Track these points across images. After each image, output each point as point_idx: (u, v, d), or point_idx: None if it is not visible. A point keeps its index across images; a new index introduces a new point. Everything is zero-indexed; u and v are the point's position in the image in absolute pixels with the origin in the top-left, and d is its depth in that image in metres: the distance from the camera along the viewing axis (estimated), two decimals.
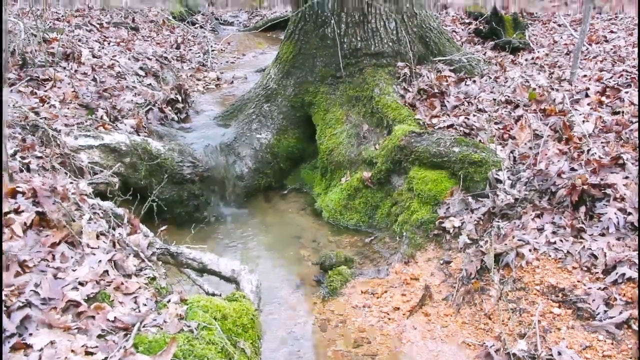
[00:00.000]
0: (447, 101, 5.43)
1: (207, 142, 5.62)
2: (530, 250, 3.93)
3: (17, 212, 3.04)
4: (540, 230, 4.07)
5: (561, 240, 3.97)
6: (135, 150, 4.89)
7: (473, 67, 6.05)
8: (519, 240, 4.02)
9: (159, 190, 4.95)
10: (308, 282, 4.48)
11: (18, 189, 3.20)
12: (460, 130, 4.99)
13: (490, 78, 5.91)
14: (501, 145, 4.83)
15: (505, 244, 3.99)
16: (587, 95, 5.47)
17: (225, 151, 5.69)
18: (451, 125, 5.08)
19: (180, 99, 6.27)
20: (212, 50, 8.91)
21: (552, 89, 5.63)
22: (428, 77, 5.70)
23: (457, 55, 6.11)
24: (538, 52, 7.05)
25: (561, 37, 7.77)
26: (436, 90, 5.54)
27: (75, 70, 5.89)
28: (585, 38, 7.61)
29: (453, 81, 5.73)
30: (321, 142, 5.66)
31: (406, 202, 4.85)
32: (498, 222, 4.25)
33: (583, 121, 4.80)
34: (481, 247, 4.15)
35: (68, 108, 5.09)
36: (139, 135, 5.40)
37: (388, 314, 4.00)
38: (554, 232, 4.05)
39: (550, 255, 3.92)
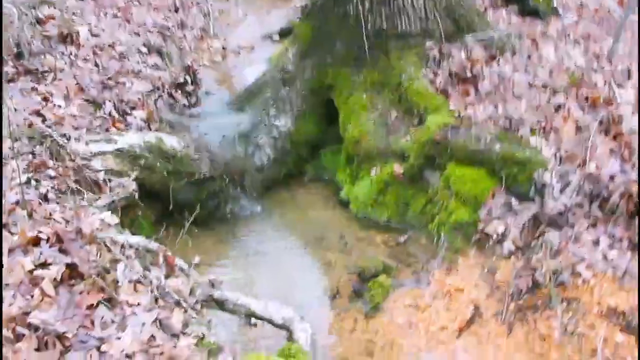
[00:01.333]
0: (481, 86, 5.10)
1: (223, 132, 5.29)
2: (586, 268, 3.74)
3: (44, 265, 2.77)
4: (596, 243, 3.86)
5: (619, 256, 3.78)
6: (150, 151, 4.56)
7: (504, 43, 5.67)
8: (573, 255, 3.81)
9: (176, 193, 4.67)
10: (343, 293, 4.27)
11: (40, 235, 2.91)
12: (500, 123, 4.69)
13: (523, 56, 5.55)
14: (544, 139, 4.54)
15: (560, 261, 3.78)
16: (629, 77, 5.16)
17: (243, 141, 5.38)
18: (489, 117, 4.77)
19: (189, 80, 5.88)
20: (213, 13, 8.39)
21: (592, 69, 5.30)
22: (458, 58, 5.34)
23: (488, 32, 5.70)
24: (566, 18, 6.66)
25: None
26: (468, 74, 5.20)
27: (75, 55, 5.46)
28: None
29: (484, 61, 5.37)
30: (346, 130, 5.35)
31: (443, 201, 4.61)
32: (547, 231, 4.03)
33: (632, 113, 4.51)
34: (531, 260, 3.95)
35: (74, 105, 4.71)
36: (150, 128, 5.06)
37: (436, 334, 3.82)
38: (610, 246, 3.85)
39: (607, 273, 3.73)
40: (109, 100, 4.95)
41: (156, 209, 4.93)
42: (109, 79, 5.27)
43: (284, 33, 7.95)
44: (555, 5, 6.80)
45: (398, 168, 4.88)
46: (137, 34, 6.48)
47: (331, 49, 5.50)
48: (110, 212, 3.52)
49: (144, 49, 6.26)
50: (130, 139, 4.54)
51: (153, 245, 3.29)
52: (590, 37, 6.11)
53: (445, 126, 4.69)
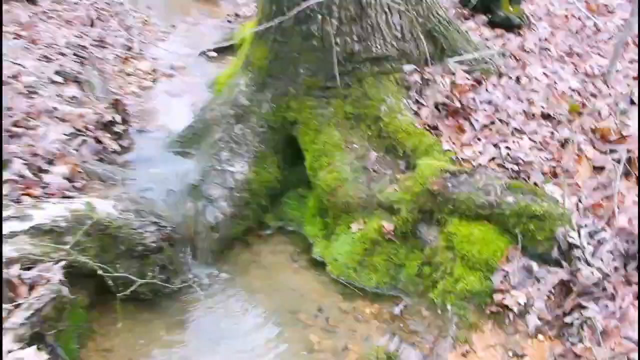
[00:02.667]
0: (475, 119, 4.43)
1: (168, 186, 4.37)
2: None
3: None
4: None
5: None
6: (79, 224, 3.60)
7: (487, 63, 5.03)
8: (626, 339, 3.19)
9: (114, 270, 3.74)
10: None
11: None
12: (506, 167, 4.03)
13: (511, 78, 4.93)
14: (559, 187, 3.92)
15: (612, 349, 3.15)
16: (632, 102, 4.64)
17: (193, 195, 4.46)
18: (493, 159, 4.11)
19: (119, 119, 4.88)
20: (135, 24, 7.35)
21: (590, 94, 4.75)
22: (443, 85, 4.64)
23: (469, 52, 5.03)
24: (540, 29, 6.12)
25: (554, 6, 6.85)
26: (457, 104, 4.51)
27: None
28: (582, 4, 6.76)
29: (470, 86, 4.71)
30: (317, 175, 4.54)
31: (446, 264, 3.90)
32: (584, 304, 3.40)
33: None
34: (573, 345, 3.30)
35: None
36: (74, 186, 4.07)
37: None
38: None
39: None
40: (18, 157, 3.94)
41: (89, 289, 3.96)
42: (16, 124, 4.23)
43: (221, 49, 7.06)
44: (527, 15, 6.25)
45: (388, 225, 4.13)
46: (48, 59, 5.42)
47: (294, 77, 4.67)
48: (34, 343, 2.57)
49: (58, 78, 5.21)
50: (52, 211, 3.56)
51: None
52: (574, 53, 5.59)
53: (443, 173, 3.98)
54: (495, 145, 4.21)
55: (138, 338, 3.88)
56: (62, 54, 5.64)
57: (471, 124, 4.41)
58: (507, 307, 3.61)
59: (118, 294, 3.67)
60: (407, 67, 4.71)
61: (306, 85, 4.67)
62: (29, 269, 3.33)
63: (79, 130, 4.54)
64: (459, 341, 3.63)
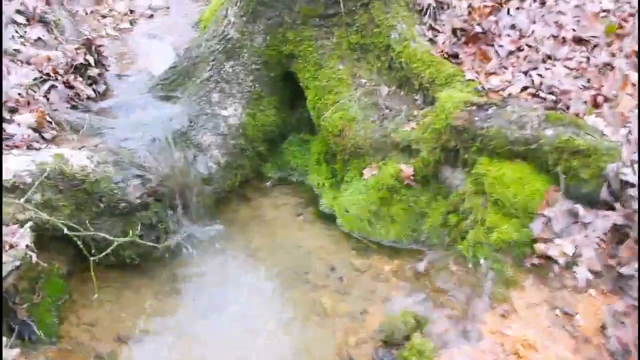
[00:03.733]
0: (499, 45, 3.86)
1: (152, 135, 3.79)
2: None
3: None
4: None
5: None
6: (47, 179, 3.05)
7: None
8: None
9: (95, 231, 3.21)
10: None
11: None
12: (541, 96, 3.49)
13: (535, 0, 4.33)
14: (596, 115, 3.39)
15: None
16: None
17: (180, 144, 3.89)
18: (525, 88, 3.56)
19: (92, 61, 4.25)
20: None
21: (627, 14, 4.17)
22: (459, 8, 4.05)
23: None
24: None
25: None
26: (478, 29, 3.94)
27: None
28: None
29: (490, 9, 4.12)
30: (321, 115, 3.99)
31: (476, 212, 3.40)
32: None
33: None
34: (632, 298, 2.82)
35: None
36: (43, 138, 3.49)
37: None
38: None
39: None
40: None
41: (67, 255, 3.45)
42: None
43: None
44: None
45: (406, 169, 3.60)
46: None
47: (289, 3, 4.05)
48: None
49: (20, 18, 4.56)
50: (14, 165, 3.00)
51: None
52: None
53: (468, 105, 3.44)
54: (526, 73, 3.66)
55: (125, 308, 3.40)
56: None
57: (495, 51, 3.85)
58: (550, 258, 3.11)
59: (93, 258, 3.12)
60: None
61: (304, 13, 4.05)
62: None
63: (47, 75, 3.94)
64: (497, 300, 3.14)
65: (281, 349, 3.18)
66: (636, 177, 3.00)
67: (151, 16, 5.87)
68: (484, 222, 3.34)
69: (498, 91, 3.58)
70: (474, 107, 3.43)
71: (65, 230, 3.06)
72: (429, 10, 4.06)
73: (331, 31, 4.07)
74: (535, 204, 3.22)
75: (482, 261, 3.31)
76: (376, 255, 3.69)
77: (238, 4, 4.16)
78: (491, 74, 3.70)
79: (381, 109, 3.87)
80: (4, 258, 2.60)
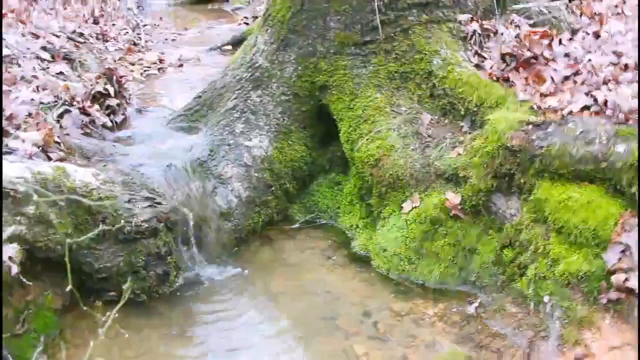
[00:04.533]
0: (554, 69, 3.49)
1: (168, 161, 3.44)
2: None
3: None
4: None
5: None
6: (43, 190, 2.67)
7: (557, 19, 4.13)
8: None
9: (95, 258, 2.80)
10: None
11: None
12: (607, 114, 3.06)
13: (588, 34, 4.01)
14: None
15: None
16: None
17: (199, 173, 3.53)
18: (586, 108, 3.14)
19: (112, 91, 4.02)
20: (144, 25, 6.65)
21: None
22: (508, 36, 3.74)
23: (528, 3, 4.16)
24: None
25: None
26: (529, 54, 3.59)
27: None
28: None
29: (540, 38, 3.80)
30: (355, 147, 3.60)
31: (536, 243, 2.89)
32: None
33: None
34: None
35: None
36: (48, 157, 3.17)
37: None
38: None
39: None
40: None
41: (62, 287, 3.02)
42: None
43: (237, 42, 6.25)
44: None
45: (453, 198, 3.15)
46: (36, 36, 4.63)
47: (323, 32, 3.79)
48: None
49: (45, 55, 4.41)
50: (7, 171, 2.65)
51: None
52: None
53: (524, 124, 3.02)
54: (587, 94, 3.26)
55: (123, 350, 2.89)
56: (55, 35, 4.86)
57: (550, 75, 3.47)
58: (632, 292, 2.57)
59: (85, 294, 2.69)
60: (463, 16, 3.82)
61: (338, 41, 3.77)
62: None
63: (63, 101, 3.69)
64: (567, 342, 2.58)
65: None
66: None
67: (180, 65, 5.72)
68: (547, 255, 2.82)
69: (556, 111, 3.16)
70: (530, 126, 3.01)
71: (60, 249, 2.67)
72: (474, 37, 3.75)
73: (368, 59, 3.76)
74: (609, 231, 2.71)
75: (546, 299, 2.76)
76: (418, 298, 3.16)
77: (268, 31, 3.92)
78: (547, 95, 3.31)
79: (423, 137, 3.47)
80: None
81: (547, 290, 2.78)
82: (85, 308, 1.96)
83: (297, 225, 3.91)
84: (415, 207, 3.30)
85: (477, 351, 2.74)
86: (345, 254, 3.64)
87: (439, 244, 3.22)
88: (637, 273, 2.60)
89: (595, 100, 3.18)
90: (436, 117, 3.57)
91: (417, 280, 3.26)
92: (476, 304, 3.00)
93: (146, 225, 3.03)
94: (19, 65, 3.96)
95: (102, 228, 2.69)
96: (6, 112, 3.25)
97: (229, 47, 6.29)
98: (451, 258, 3.19)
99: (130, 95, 4.37)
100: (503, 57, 3.64)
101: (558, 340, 2.59)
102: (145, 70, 5.36)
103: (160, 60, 5.72)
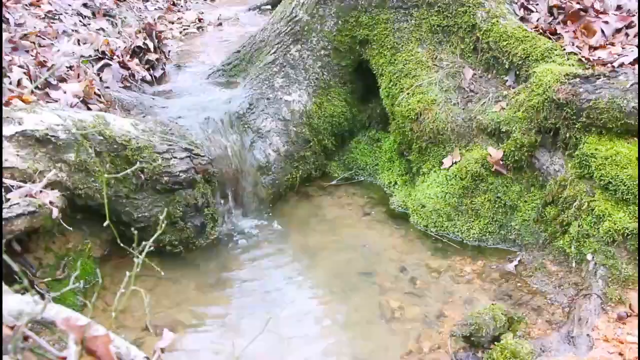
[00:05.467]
0: (604, 21, 3.34)
1: (206, 114, 3.44)
2: None
3: None
4: None
5: None
6: (83, 138, 2.70)
7: None
8: None
9: (133, 207, 2.84)
10: None
11: None
12: None
13: None
14: None
15: None
16: None
17: (237, 126, 3.52)
18: (639, 61, 3.00)
19: (151, 46, 4.03)
20: None
21: None
22: None
23: None
24: None
25: None
26: (578, 6, 3.45)
27: None
28: None
29: None
30: (395, 102, 3.54)
31: (580, 200, 2.80)
32: None
33: None
34: None
35: None
36: (88, 107, 3.20)
37: None
38: None
39: None
40: (20, 66, 3.11)
41: (101, 238, 3.08)
42: (25, 37, 3.43)
43: (276, 2, 6.17)
44: None
45: (495, 153, 3.07)
46: None
47: None
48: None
49: (86, 12, 4.43)
50: (50, 117, 2.68)
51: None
52: None
53: (571, 77, 2.91)
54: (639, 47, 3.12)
55: (161, 299, 2.94)
56: None
57: (601, 28, 3.33)
58: None
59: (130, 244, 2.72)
60: None
61: None
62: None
63: (102, 53, 3.71)
64: (611, 301, 2.52)
65: (340, 357, 2.63)
66: None
67: (220, 25, 5.69)
68: (592, 212, 2.73)
69: (606, 64, 3.04)
70: (578, 79, 2.90)
71: (100, 198, 2.71)
72: None
73: (410, 13, 3.67)
74: None
75: (589, 257, 2.69)
76: (456, 255, 3.12)
77: None
78: (596, 48, 3.17)
79: (465, 92, 3.38)
80: (16, 200, 2.23)
81: (591, 248, 2.70)
82: (122, 245, 1.92)
83: (335, 181, 3.89)
84: (456, 163, 3.24)
85: (516, 308, 2.69)
86: (383, 211, 3.61)
87: (479, 200, 3.15)
88: None
89: None
90: (479, 72, 3.46)
91: (456, 237, 3.21)
92: (516, 262, 2.95)
93: (184, 175, 3.04)
94: (61, 21, 3.99)
95: (136, 167, 2.74)
96: (48, 63, 3.28)
97: (268, 6, 6.23)
98: (491, 215, 3.13)
99: (169, 51, 4.38)
100: (550, 9, 3.51)
101: (601, 299, 2.52)
102: (184, 29, 5.36)
103: (200, 19, 5.70)
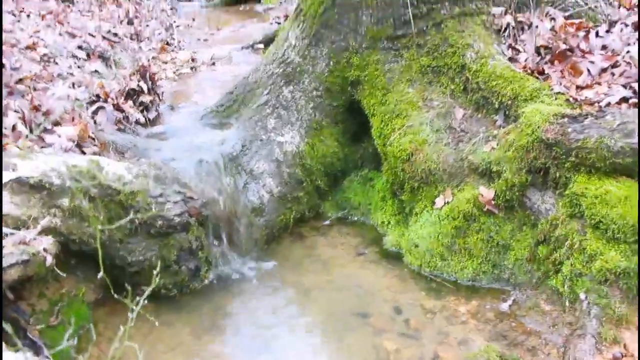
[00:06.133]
0: (590, 61, 3.41)
1: (200, 156, 3.47)
2: None
3: None
4: None
5: None
6: (77, 183, 2.72)
7: (594, 11, 4.04)
8: None
9: (127, 251, 2.85)
10: None
11: None
12: None
13: (627, 25, 3.91)
14: None
15: None
16: None
17: (231, 168, 3.56)
18: (625, 100, 3.06)
19: (145, 88, 4.08)
20: (177, 26, 6.72)
21: None
22: (543, 28, 3.67)
23: None
24: None
25: None
26: (565, 46, 3.52)
27: None
28: None
29: (576, 29, 3.72)
30: (387, 142, 3.58)
31: (572, 239, 2.83)
32: None
33: None
34: None
35: None
36: (83, 151, 3.23)
37: None
38: None
39: None
40: (15, 111, 3.15)
41: (95, 282, 3.07)
42: (20, 81, 3.48)
43: (269, 40, 6.27)
44: None
45: (487, 193, 3.10)
46: (72, 36, 4.73)
47: (355, 26, 3.79)
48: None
49: (81, 54, 4.49)
50: (43, 163, 2.71)
51: None
52: None
53: (560, 117, 2.96)
54: (625, 87, 3.18)
55: (156, 344, 2.93)
56: (91, 35, 4.96)
57: (587, 68, 3.40)
58: None
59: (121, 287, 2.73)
60: (496, 9, 3.77)
61: (370, 36, 3.77)
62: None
63: (97, 96, 3.75)
64: (605, 341, 2.52)
65: None
66: None
67: (213, 64, 5.78)
68: (584, 251, 2.76)
69: (593, 103, 3.10)
70: (566, 119, 2.95)
71: (94, 243, 2.72)
72: (507, 30, 3.69)
73: (400, 54, 3.74)
74: None
75: (582, 296, 2.70)
76: (450, 295, 3.13)
77: (300, 25, 3.94)
78: (583, 87, 3.24)
79: (456, 131, 3.44)
80: (9, 248, 2.24)
81: (584, 287, 2.72)
82: (116, 296, 1.93)
83: (328, 221, 3.91)
84: (448, 203, 3.27)
85: (511, 349, 2.68)
86: (377, 251, 3.62)
87: (472, 240, 3.17)
88: None
89: (635, 92, 3.11)
90: (469, 111, 3.52)
91: (450, 277, 3.22)
92: (510, 302, 2.96)
93: (178, 219, 3.06)
94: (56, 63, 4.04)
95: (131, 217, 2.76)
96: (43, 108, 3.32)
97: (261, 45, 6.32)
98: (484, 254, 3.15)
99: (163, 92, 4.43)
100: (538, 49, 3.58)
101: (595, 339, 2.53)
102: (178, 69, 5.43)
103: (193, 59, 5.78)
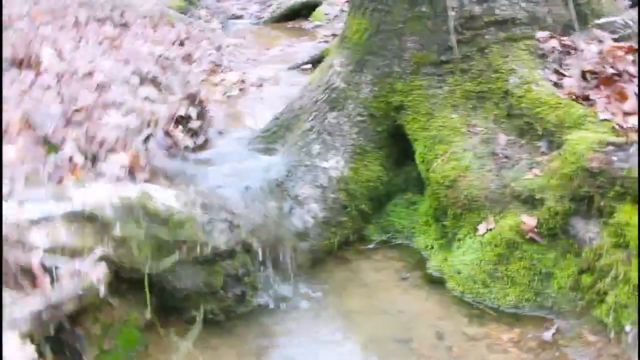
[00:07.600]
0: (638, 86, 3.40)
1: (245, 183, 3.61)
2: None
3: None
4: None
5: None
6: (129, 214, 2.88)
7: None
8: None
9: (175, 278, 2.99)
10: None
11: None
12: None
13: None
14: None
15: None
16: None
17: (276, 194, 3.67)
18: None
19: (194, 114, 4.26)
20: (227, 47, 6.94)
21: None
22: (589, 52, 3.66)
23: (611, 18, 4.05)
24: None
25: None
26: (612, 71, 3.51)
27: (32, 83, 3.91)
28: None
29: (625, 53, 3.70)
30: (430, 168, 3.64)
31: (617, 269, 2.82)
32: None
33: None
34: None
35: (14, 145, 3.11)
36: (134, 179, 3.40)
37: None
38: None
39: None
40: (72, 140, 3.35)
41: (144, 304, 3.23)
42: (77, 111, 3.69)
43: (315, 61, 6.40)
44: None
45: (529, 221, 3.12)
46: (127, 62, 4.96)
47: (399, 52, 3.87)
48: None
49: (135, 80, 4.70)
50: (95, 195, 2.88)
51: None
52: None
53: (605, 145, 2.96)
54: None
55: None
56: (144, 60, 5.18)
57: (635, 92, 3.38)
58: None
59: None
60: (541, 34, 3.78)
61: (414, 62, 3.84)
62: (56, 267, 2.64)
63: (148, 123, 3.94)
64: None
65: None
66: None
67: (260, 85, 5.94)
68: (629, 281, 2.75)
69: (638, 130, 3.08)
70: (611, 147, 2.95)
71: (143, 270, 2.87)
72: (553, 54, 3.70)
73: (444, 79, 3.80)
74: None
75: (627, 327, 2.69)
76: (492, 322, 3.14)
77: (344, 52, 4.04)
78: (630, 114, 3.22)
79: (499, 158, 3.46)
80: (66, 280, 2.40)
81: (629, 319, 2.71)
82: (161, 329, 2.05)
83: (372, 245, 3.98)
84: (490, 229, 3.30)
85: None
86: (420, 275, 3.66)
87: (514, 267, 3.19)
88: None
89: None
90: (513, 138, 3.54)
91: (492, 304, 3.23)
92: (553, 330, 2.96)
93: (224, 247, 3.19)
94: (111, 90, 4.26)
95: (177, 257, 2.92)
96: (98, 138, 3.52)
97: (308, 65, 6.47)
98: (527, 282, 3.15)
99: (211, 117, 4.60)
100: (583, 74, 3.57)
101: None
102: (226, 92, 5.62)
103: (242, 81, 5.97)
